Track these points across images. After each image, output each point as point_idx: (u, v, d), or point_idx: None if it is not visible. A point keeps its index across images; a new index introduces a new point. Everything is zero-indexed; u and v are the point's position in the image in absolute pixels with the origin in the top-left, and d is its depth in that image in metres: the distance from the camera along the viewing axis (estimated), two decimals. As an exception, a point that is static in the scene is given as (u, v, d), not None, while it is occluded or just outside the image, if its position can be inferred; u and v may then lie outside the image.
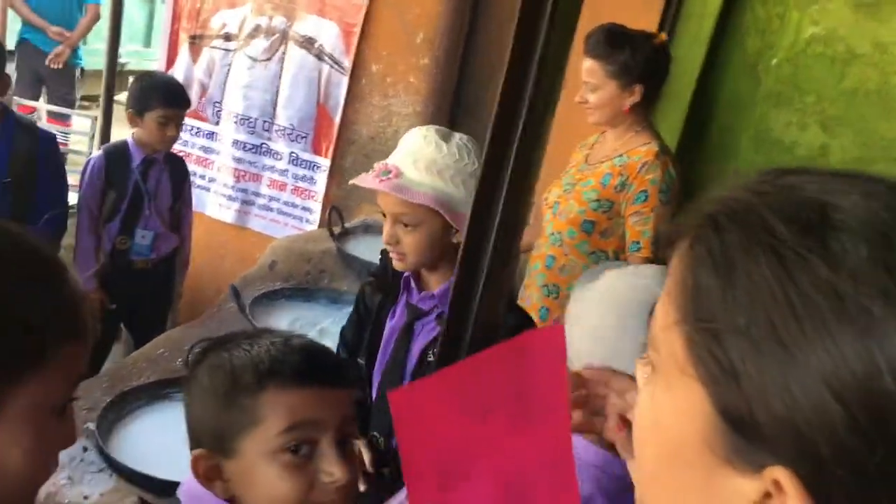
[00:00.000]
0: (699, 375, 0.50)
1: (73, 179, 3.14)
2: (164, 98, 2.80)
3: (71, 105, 5.77)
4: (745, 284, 0.48)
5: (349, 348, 1.79)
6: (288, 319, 2.49)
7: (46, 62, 5.67)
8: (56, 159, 3.00)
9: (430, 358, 1.52)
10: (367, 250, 2.91)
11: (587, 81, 2.29)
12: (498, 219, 1.03)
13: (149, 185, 2.95)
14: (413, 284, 1.64)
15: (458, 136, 1.60)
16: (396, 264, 1.59)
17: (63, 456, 1.82)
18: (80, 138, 5.91)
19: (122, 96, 3.52)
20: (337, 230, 2.95)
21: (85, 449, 1.89)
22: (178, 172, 3.07)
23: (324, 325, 2.44)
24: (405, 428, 0.73)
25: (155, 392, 2.07)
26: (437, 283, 1.60)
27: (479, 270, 1.05)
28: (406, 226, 1.54)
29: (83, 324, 0.77)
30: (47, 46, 5.68)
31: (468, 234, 1.05)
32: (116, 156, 2.93)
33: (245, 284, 2.76)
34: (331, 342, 2.32)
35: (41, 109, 5.34)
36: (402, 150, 1.60)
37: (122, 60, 7.03)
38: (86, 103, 6.82)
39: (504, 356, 0.75)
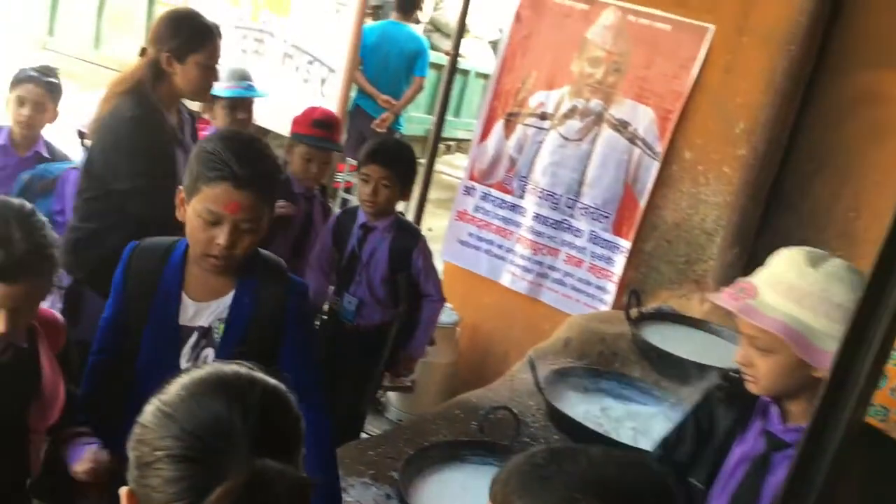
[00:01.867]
0: None
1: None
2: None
3: (387, 166, 6.33)
4: None
5: (679, 464, 1.63)
6: (596, 407, 2.47)
7: (372, 125, 6.33)
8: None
9: None
10: (662, 338, 2.85)
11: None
12: (871, 359, 0.95)
13: (364, 250, 2.91)
14: (773, 411, 1.51)
15: (831, 262, 1.45)
16: (750, 387, 1.49)
17: (369, 501, 1.97)
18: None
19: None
20: (634, 314, 2.93)
21: (388, 496, 2.03)
22: (403, 242, 2.94)
23: (636, 425, 2.38)
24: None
25: (452, 452, 2.16)
26: (801, 415, 1.47)
27: (841, 411, 0.97)
28: (759, 350, 1.44)
29: None
30: (375, 112, 6.34)
31: (835, 369, 0.98)
32: (347, 216, 3.00)
33: (538, 356, 2.82)
34: (645, 443, 2.30)
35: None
36: (766, 268, 1.50)
37: (433, 127, 7.64)
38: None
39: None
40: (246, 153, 1.69)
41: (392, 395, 3.70)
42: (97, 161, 2.63)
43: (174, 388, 0.96)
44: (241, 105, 3.48)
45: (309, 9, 4.48)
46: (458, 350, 3.88)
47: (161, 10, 6.32)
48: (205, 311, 1.80)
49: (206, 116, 3.54)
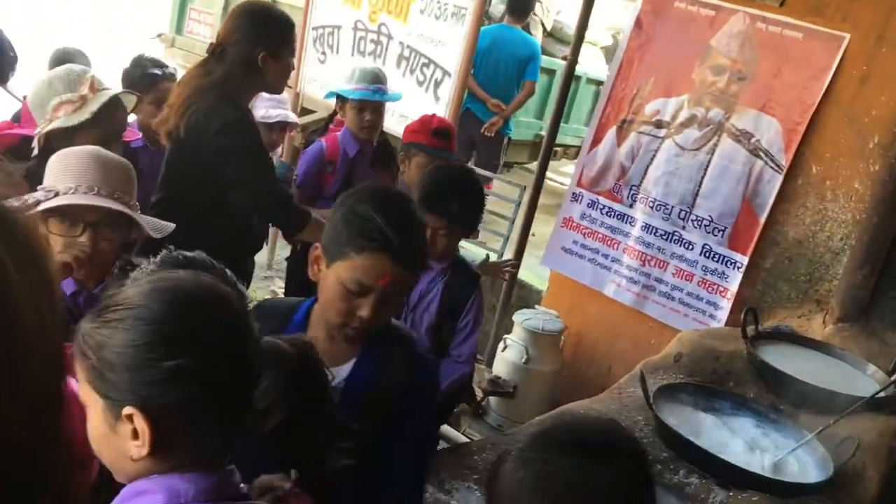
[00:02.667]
0: None
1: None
2: None
3: (495, 170, 6.34)
4: None
5: None
6: (742, 440, 2.37)
7: (481, 130, 6.34)
8: None
9: None
10: (780, 359, 2.73)
11: None
12: None
13: (413, 290, 2.41)
14: None
15: None
16: None
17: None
18: (496, 200, 6.47)
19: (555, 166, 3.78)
20: (750, 332, 2.81)
21: (492, 502, 2.01)
22: (460, 288, 2.58)
23: (781, 458, 2.29)
24: None
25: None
26: None
27: None
28: None
29: None
30: (484, 116, 6.35)
31: None
32: None
33: (647, 370, 2.75)
34: (757, 464, 2.21)
35: (469, 171, 5.92)
36: None
37: (541, 132, 7.59)
38: (504, 169, 7.45)
39: None
40: (403, 221, 1.55)
41: (493, 400, 3.68)
42: (208, 162, 2.59)
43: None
44: (369, 107, 3.47)
45: (427, 12, 4.52)
46: (562, 358, 3.83)
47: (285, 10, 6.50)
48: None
49: (339, 116, 3.61)
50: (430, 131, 3.13)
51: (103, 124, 2.33)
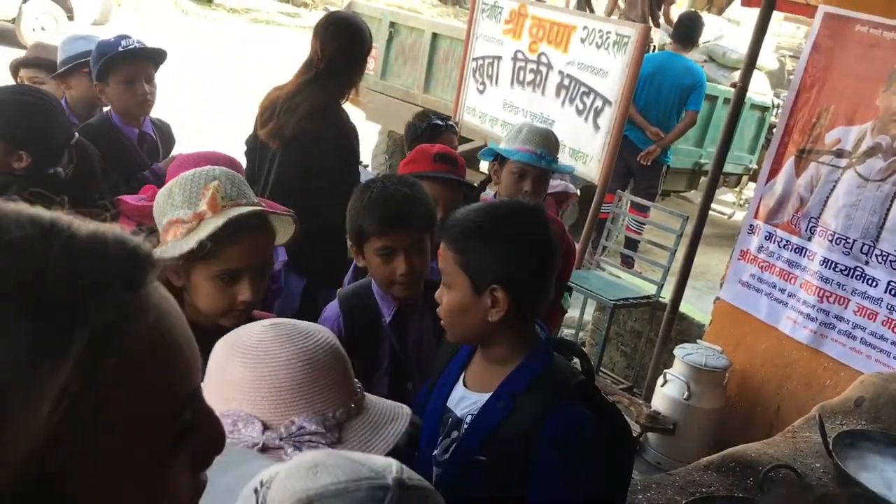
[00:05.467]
0: None
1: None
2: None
3: (652, 198, 6.20)
4: None
5: None
6: (891, 475, 2.22)
7: (638, 158, 6.22)
8: None
9: None
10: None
11: None
12: None
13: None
14: None
15: None
16: None
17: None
18: (651, 229, 6.32)
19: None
20: (945, 380, 2.59)
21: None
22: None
23: None
24: None
25: (731, 507, 2.04)
26: None
27: None
28: None
29: None
30: (642, 144, 6.23)
31: None
32: None
33: (825, 414, 2.59)
34: None
35: (626, 199, 5.83)
36: None
37: (701, 160, 7.36)
38: (661, 198, 7.27)
39: None
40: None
41: (651, 437, 3.58)
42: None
43: None
44: (531, 173, 2.82)
45: (588, 41, 4.51)
46: (726, 396, 3.67)
47: (443, 44, 6.69)
48: (466, 400, 1.66)
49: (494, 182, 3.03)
50: (431, 157, 2.72)
51: (230, 258, 1.60)
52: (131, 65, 2.97)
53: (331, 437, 1.18)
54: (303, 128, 2.84)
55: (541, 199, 2.89)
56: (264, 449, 1.15)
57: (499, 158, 2.88)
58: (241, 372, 1.19)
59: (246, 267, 1.63)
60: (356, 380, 1.28)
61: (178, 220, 1.62)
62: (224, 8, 17.73)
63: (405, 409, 1.31)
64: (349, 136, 2.94)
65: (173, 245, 1.59)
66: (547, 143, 2.86)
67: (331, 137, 2.89)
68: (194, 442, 0.65)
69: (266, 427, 1.17)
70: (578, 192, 4.05)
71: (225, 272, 1.61)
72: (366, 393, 1.30)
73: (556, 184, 3.41)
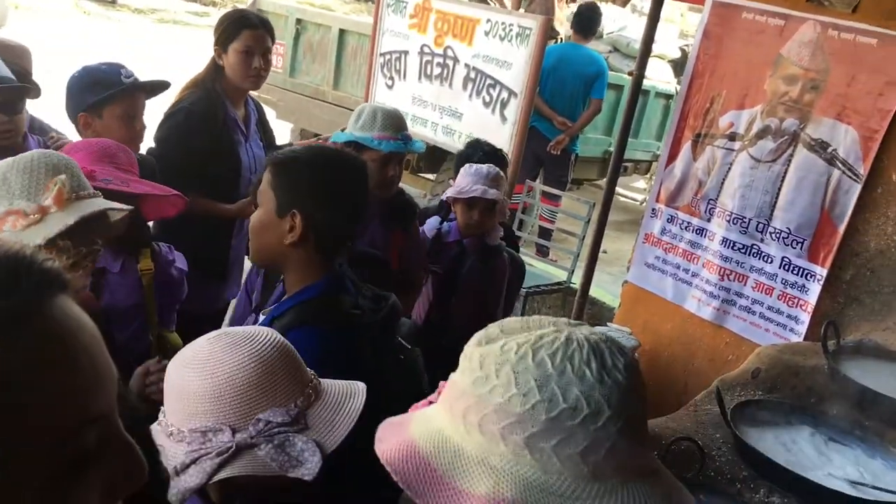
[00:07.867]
0: None
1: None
2: None
3: (563, 187, 6.33)
4: None
5: None
6: (824, 458, 2.31)
7: (547, 148, 6.34)
8: None
9: None
10: (864, 374, 2.63)
11: None
12: None
13: None
14: None
15: None
16: None
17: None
18: (565, 218, 6.45)
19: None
20: (831, 347, 2.73)
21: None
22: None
23: (864, 476, 2.22)
24: None
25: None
26: None
27: None
28: None
29: None
30: (550, 134, 6.35)
31: None
32: None
33: (724, 386, 2.69)
34: (840, 483, 2.14)
35: (536, 189, 5.93)
36: None
37: (610, 149, 7.55)
38: (573, 186, 7.42)
39: None
40: None
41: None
42: None
43: None
44: (395, 159, 2.95)
45: (492, 34, 4.57)
46: (636, 376, 3.78)
47: (351, 40, 6.66)
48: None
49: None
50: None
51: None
52: (134, 99, 2.78)
53: (297, 426, 1.27)
54: None
55: (399, 179, 3.01)
56: (239, 450, 1.24)
57: (354, 146, 2.81)
58: (199, 385, 1.25)
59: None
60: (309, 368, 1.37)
61: (19, 211, 1.57)
62: (129, 8, 17.22)
63: (360, 385, 1.40)
64: None
65: (13, 237, 1.49)
66: (402, 124, 2.95)
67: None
68: (106, 472, 0.62)
69: (235, 430, 1.25)
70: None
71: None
72: (319, 379, 1.39)
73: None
